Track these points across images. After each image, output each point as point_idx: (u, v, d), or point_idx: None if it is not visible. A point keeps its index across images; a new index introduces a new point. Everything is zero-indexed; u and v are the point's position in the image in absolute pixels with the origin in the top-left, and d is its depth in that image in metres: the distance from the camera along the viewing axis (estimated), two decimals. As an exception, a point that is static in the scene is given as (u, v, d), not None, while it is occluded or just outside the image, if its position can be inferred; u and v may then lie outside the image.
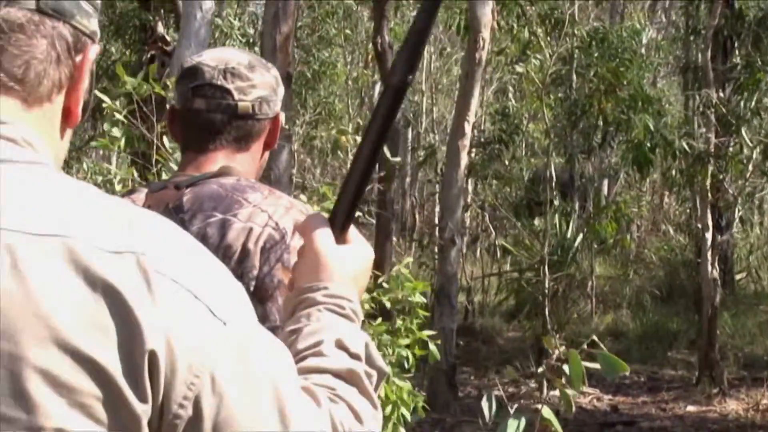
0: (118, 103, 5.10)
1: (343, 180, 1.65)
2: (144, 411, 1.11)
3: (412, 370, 5.60)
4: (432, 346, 5.67)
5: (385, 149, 6.44)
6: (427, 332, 5.66)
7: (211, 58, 2.35)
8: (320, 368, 1.43)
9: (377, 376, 1.52)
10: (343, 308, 1.53)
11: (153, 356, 1.11)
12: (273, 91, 2.39)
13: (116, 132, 4.94)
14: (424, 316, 5.72)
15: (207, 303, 1.17)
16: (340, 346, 1.47)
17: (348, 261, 1.58)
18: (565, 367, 2.97)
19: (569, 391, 3.28)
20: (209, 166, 2.31)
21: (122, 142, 4.95)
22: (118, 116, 4.87)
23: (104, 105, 4.95)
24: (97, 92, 5.21)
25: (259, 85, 2.35)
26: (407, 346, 5.44)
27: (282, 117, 2.45)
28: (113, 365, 1.09)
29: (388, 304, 5.53)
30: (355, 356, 1.47)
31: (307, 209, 2.30)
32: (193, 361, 1.14)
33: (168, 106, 2.50)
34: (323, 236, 1.58)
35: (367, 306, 5.37)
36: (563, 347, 3.19)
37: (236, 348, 1.18)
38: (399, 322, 5.50)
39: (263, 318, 2.08)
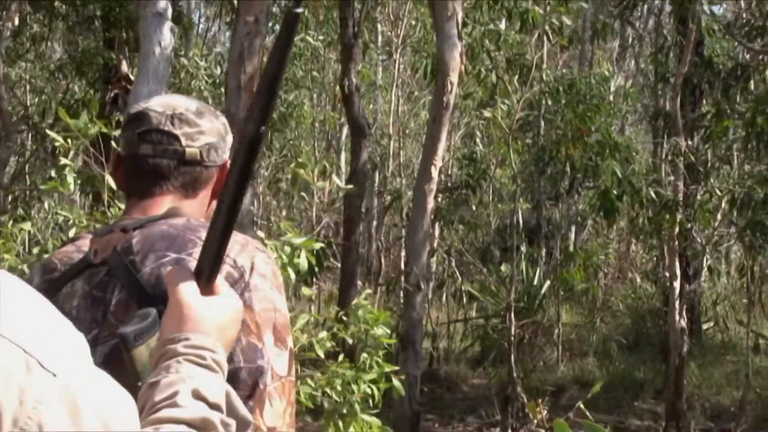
0: (71, 142, 4.94)
1: (207, 233, 1.69)
2: None
3: (379, 406, 5.43)
4: (396, 382, 5.50)
5: (338, 182, 6.25)
6: (391, 367, 5.48)
7: (159, 104, 2.28)
8: (173, 418, 1.44)
9: (238, 425, 1.56)
10: (204, 359, 1.55)
11: None
12: (221, 139, 2.31)
13: (68, 172, 4.78)
14: (388, 346, 5.56)
15: (36, 356, 1.13)
16: (198, 396, 1.48)
17: (213, 312, 1.62)
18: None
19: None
20: (155, 211, 2.22)
21: (71, 185, 4.78)
22: (65, 161, 4.71)
23: (57, 144, 4.80)
24: (49, 132, 5.08)
25: (207, 131, 2.28)
26: (372, 381, 5.26)
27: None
28: None
29: (350, 340, 5.38)
30: (214, 406, 1.49)
31: (261, 246, 2.17)
32: (20, 415, 1.11)
33: (113, 154, 2.39)
34: (187, 288, 1.62)
35: (328, 344, 5.21)
36: (545, 412, 3.04)
37: (66, 399, 1.15)
38: (364, 355, 5.33)
39: (227, 359, 1.96)
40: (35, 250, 4.90)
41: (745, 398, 11.42)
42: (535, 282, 13.87)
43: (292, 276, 4.61)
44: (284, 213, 22.74)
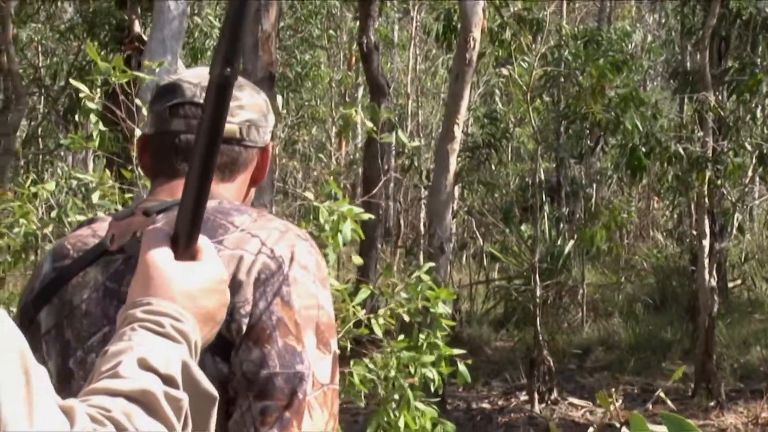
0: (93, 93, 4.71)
1: (182, 191, 1.54)
2: None
3: (440, 392, 5.01)
4: (462, 367, 5.07)
5: (403, 137, 5.87)
6: (457, 351, 5.03)
7: (193, 75, 2.01)
8: (109, 389, 1.32)
9: (202, 400, 1.41)
10: (163, 326, 1.42)
11: None
12: (263, 116, 2.04)
13: (93, 119, 4.53)
14: (450, 328, 5.11)
15: None
16: (145, 366, 1.35)
17: (185, 278, 1.50)
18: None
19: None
20: None
21: (97, 140, 4.54)
22: (90, 105, 4.45)
23: (81, 95, 4.56)
24: (72, 81, 4.85)
25: (247, 106, 2.01)
26: (432, 364, 4.85)
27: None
28: None
29: (406, 318, 4.97)
30: (165, 377, 1.36)
31: (303, 233, 1.90)
32: None
33: (138, 135, 2.11)
34: (158, 251, 1.51)
35: (382, 321, 4.83)
36: (619, 401, 2.76)
37: None
38: (422, 336, 4.92)
39: (261, 363, 1.74)
40: (53, 214, 4.67)
41: (775, 357, 11.22)
42: (559, 242, 13.63)
43: (341, 243, 4.32)
44: (300, 175, 22.56)
